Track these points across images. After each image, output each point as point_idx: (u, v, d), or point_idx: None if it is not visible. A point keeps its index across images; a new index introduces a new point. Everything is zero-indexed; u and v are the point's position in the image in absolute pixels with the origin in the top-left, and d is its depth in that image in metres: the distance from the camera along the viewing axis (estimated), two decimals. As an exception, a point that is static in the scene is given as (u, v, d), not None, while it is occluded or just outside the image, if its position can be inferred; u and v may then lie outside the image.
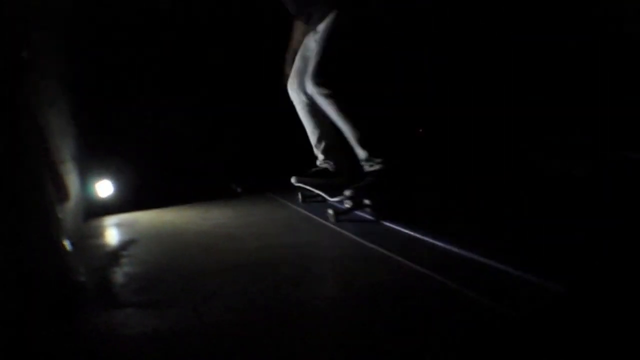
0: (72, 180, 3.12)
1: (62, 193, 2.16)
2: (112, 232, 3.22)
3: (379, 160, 2.60)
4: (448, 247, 2.26)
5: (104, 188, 3.79)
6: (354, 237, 2.59)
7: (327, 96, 2.56)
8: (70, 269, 2.06)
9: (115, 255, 2.60)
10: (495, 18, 4.57)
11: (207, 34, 4.35)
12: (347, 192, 2.58)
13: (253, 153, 4.50)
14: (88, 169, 3.67)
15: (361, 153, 2.64)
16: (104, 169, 3.80)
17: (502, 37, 4.51)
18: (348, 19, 2.66)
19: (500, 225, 2.59)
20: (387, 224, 2.68)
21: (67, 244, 2.05)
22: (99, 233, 3.19)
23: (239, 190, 4.23)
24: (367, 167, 2.65)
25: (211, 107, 4.35)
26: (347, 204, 2.60)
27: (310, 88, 2.60)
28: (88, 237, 3.04)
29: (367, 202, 2.55)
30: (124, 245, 2.78)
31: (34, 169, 1.97)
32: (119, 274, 2.29)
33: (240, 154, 4.44)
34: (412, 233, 2.52)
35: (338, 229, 2.78)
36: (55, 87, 2.97)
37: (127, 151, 3.98)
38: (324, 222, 2.97)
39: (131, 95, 4.03)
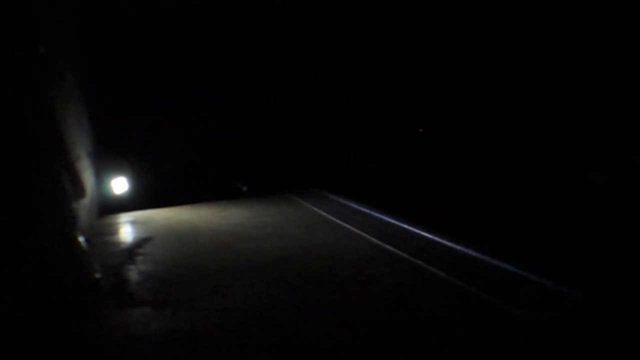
0: (88, 177, 3.11)
1: (78, 190, 2.13)
2: (127, 230, 3.19)
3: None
4: (463, 249, 2.23)
5: (120, 185, 3.76)
6: (369, 237, 2.58)
7: None
8: (85, 266, 2.04)
9: (130, 253, 2.58)
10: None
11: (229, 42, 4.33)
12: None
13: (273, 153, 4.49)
14: (104, 166, 3.65)
15: None
16: (120, 166, 3.78)
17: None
18: None
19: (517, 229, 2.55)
20: (405, 225, 2.66)
21: (82, 240, 2.02)
22: (114, 230, 3.16)
23: (244, 189, 4.26)
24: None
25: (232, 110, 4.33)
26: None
27: None
28: (103, 234, 3.02)
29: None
30: (139, 243, 2.75)
31: (50, 166, 1.94)
32: (135, 272, 2.26)
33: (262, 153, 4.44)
34: (432, 237, 2.50)
35: (354, 229, 2.75)
36: (72, 83, 2.95)
37: (143, 148, 3.95)
38: (340, 222, 2.93)
39: (148, 94, 4.00)
